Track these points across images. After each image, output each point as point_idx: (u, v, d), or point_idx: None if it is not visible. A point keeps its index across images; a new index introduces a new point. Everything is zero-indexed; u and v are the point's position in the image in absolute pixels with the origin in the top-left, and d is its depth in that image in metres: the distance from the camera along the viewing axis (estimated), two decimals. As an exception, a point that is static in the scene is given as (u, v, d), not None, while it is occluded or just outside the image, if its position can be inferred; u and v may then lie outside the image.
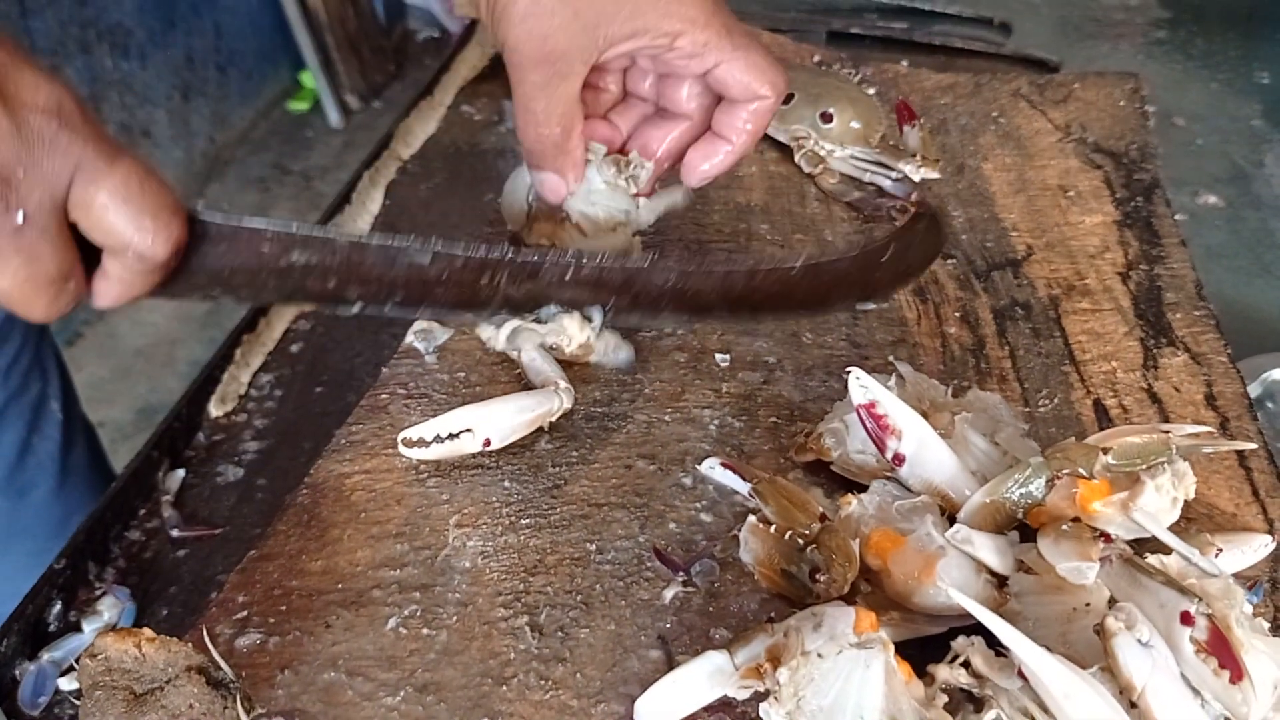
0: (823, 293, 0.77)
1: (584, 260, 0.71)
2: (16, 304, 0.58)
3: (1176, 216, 1.03)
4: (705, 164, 0.81)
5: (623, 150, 0.83)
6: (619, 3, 0.73)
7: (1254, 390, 1.02)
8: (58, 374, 1.12)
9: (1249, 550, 0.68)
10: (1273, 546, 0.69)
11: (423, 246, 0.67)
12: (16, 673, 0.69)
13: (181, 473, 0.85)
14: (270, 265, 0.65)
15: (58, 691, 0.68)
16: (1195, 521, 0.71)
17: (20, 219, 0.55)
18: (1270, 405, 1.04)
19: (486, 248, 0.68)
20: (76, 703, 0.59)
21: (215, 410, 0.91)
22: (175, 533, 0.80)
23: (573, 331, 0.82)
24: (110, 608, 0.74)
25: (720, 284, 0.73)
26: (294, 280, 0.65)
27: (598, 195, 0.81)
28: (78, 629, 0.73)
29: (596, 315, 0.84)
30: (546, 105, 0.75)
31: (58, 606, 0.74)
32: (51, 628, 0.73)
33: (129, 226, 0.57)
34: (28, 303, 0.58)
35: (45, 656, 0.70)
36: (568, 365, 0.82)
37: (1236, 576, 0.66)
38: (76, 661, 0.60)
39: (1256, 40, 1.69)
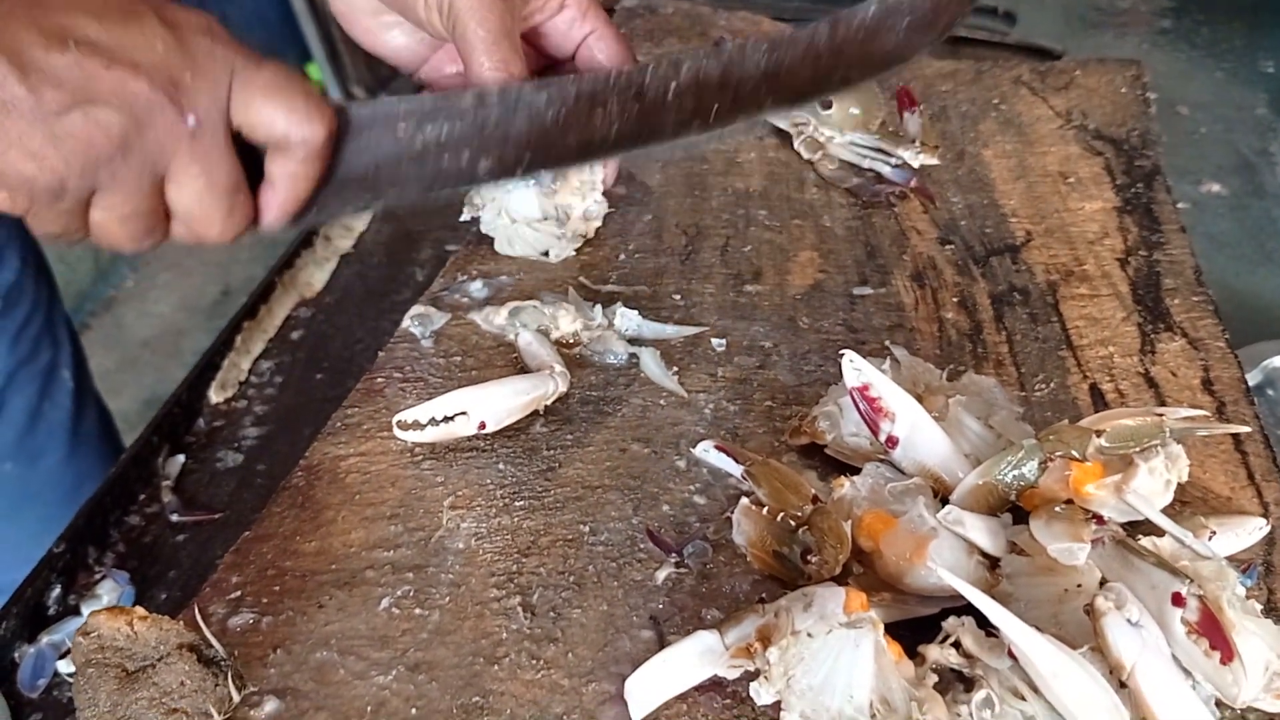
0: (900, 38, 0.76)
1: (681, 64, 0.70)
2: (198, 219, 0.63)
3: (1180, 205, 1.02)
4: None
5: None
6: None
7: (1255, 377, 1.02)
8: (69, 343, 1.14)
9: (1243, 533, 0.68)
10: (1267, 530, 0.68)
11: (537, 85, 0.69)
12: (16, 655, 0.70)
13: (181, 458, 0.86)
14: (407, 150, 0.67)
15: (56, 674, 0.69)
16: (1190, 505, 0.70)
17: (192, 122, 0.59)
18: (1271, 392, 1.03)
19: (592, 77, 0.70)
20: (76, 684, 0.60)
21: (215, 396, 0.92)
22: (175, 517, 0.81)
23: (563, 323, 0.83)
24: (109, 591, 0.75)
25: (805, 50, 0.73)
26: (430, 164, 0.68)
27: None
28: (77, 613, 0.74)
29: (598, 314, 0.84)
30: (507, 43, 0.75)
31: (57, 590, 0.75)
32: (51, 611, 0.74)
33: (286, 114, 0.62)
34: (208, 216, 0.63)
35: (44, 639, 0.71)
36: (564, 350, 0.82)
37: (1231, 559, 0.65)
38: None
39: (1262, 30, 1.68)
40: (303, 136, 0.63)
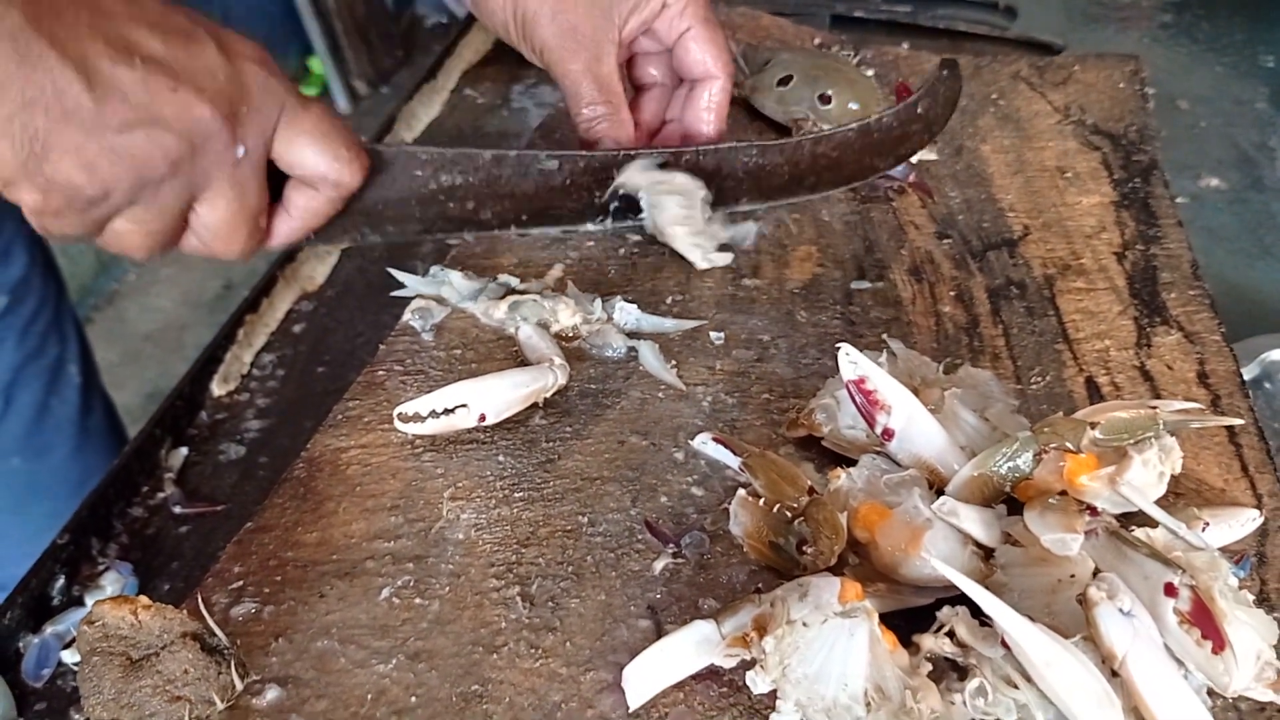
0: (872, 152, 0.90)
1: (683, 153, 0.80)
2: (222, 237, 0.65)
3: (1179, 199, 1.03)
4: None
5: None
6: None
7: (1252, 370, 1.02)
8: (76, 339, 1.14)
9: (1236, 525, 0.68)
10: (1260, 521, 0.69)
11: (548, 154, 0.77)
12: (20, 646, 0.71)
13: (184, 450, 0.86)
14: (419, 191, 0.73)
15: (60, 664, 0.70)
16: (1184, 496, 0.71)
17: (240, 153, 0.62)
18: (1268, 385, 1.04)
19: (598, 154, 0.79)
20: (80, 674, 0.60)
21: (218, 389, 0.92)
22: (178, 509, 0.82)
23: (563, 316, 0.83)
24: (113, 583, 0.76)
25: (791, 155, 0.86)
26: (437, 205, 0.74)
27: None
28: (80, 603, 0.74)
29: (598, 307, 0.85)
30: (592, 84, 0.86)
31: (61, 581, 0.75)
32: (55, 602, 0.74)
33: (326, 159, 0.65)
34: (232, 236, 0.66)
35: (48, 630, 0.71)
36: (563, 343, 0.83)
37: (1224, 550, 0.66)
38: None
39: (1263, 24, 1.68)
40: (338, 181, 0.66)
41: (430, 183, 0.72)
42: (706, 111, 0.91)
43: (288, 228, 0.69)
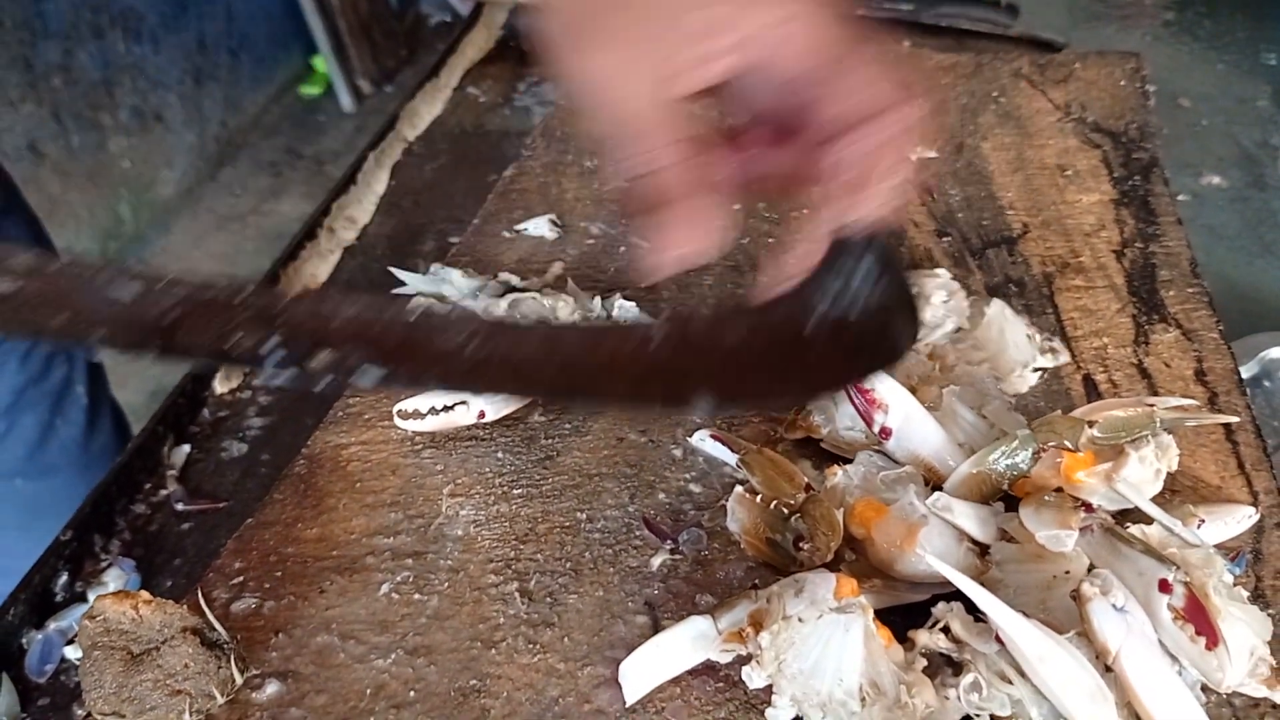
0: (698, 379, 0.50)
1: (349, 310, 0.50)
2: None
3: (1180, 197, 1.03)
4: None
5: None
6: None
7: (1252, 368, 1.03)
8: (84, 359, 1.13)
9: (1232, 521, 0.68)
10: (1256, 518, 0.69)
11: (122, 273, 0.49)
12: (24, 641, 0.71)
13: (186, 448, 0.87)
14: None
15: (63, 659, 0.70)
16: (1180, 493, 0.71)
17: None
18: (1268, 383, 1.04)
19: (219, 287, 0.49)
20: (84, 669, 0.61)
21: (220, 387, 0.93)
22: (180, 506, 0.82)
23: (562, 314, 0.83)
24: (116, 579, 0.76)
25: (543, 352, 0.51)
26: (12, 308, 0.49)
27: None
28: (84, 600, 0.75)
29: (597, 304, 0.85)
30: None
31: (64, 577, 0.75)
32: (58, 598, 0.74)
33: None
34: None
35: (52, 626, 0.72)
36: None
37: (1220, 547, 0.66)
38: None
39: (1264, 23, 1.68)
40: None
41: None
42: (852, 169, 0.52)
43: None
